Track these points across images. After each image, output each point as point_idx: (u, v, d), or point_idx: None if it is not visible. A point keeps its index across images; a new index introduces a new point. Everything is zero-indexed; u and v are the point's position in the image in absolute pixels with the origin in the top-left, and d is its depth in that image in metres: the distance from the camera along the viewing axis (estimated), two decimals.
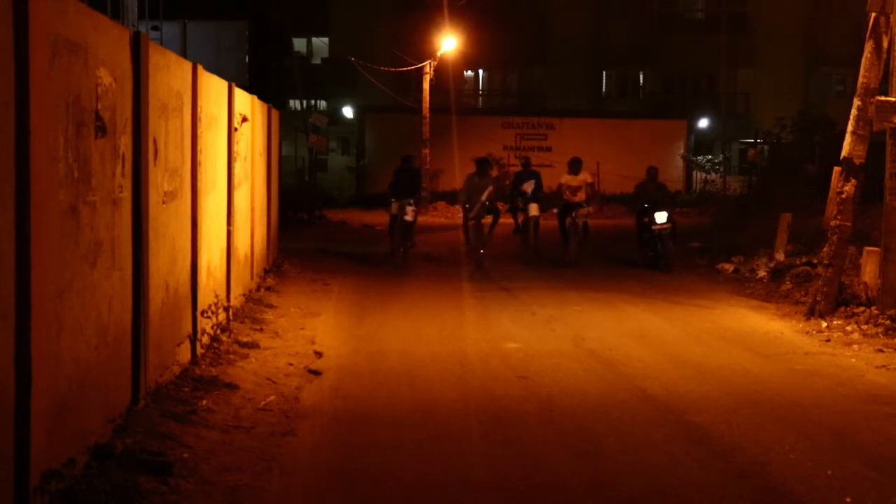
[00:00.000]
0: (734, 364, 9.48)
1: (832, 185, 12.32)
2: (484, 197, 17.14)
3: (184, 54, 16.19)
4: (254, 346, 9.47)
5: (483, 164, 17.90)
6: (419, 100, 33.97)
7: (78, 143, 5.26)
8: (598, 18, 43.27)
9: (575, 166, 17.85)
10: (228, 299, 10.29)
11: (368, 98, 39.14)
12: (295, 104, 43.48)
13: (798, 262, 15.61)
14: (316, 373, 8.67)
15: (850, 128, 12.02)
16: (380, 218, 20.26)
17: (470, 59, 37.64)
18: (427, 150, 33.90)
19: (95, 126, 5.56)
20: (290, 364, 8.93)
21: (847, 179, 12.04)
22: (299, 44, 46.84)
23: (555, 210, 18.25)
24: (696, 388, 8.41)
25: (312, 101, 45.28)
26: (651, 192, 17.35)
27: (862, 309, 11.87)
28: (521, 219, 18.70)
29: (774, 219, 17.62)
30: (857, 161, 11.95)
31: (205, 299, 8.87)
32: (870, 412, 7.75)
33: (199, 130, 8.44)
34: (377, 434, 6.85)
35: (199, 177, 8.42)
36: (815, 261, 14.67)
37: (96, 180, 5.60)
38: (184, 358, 8.05)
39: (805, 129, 29.91)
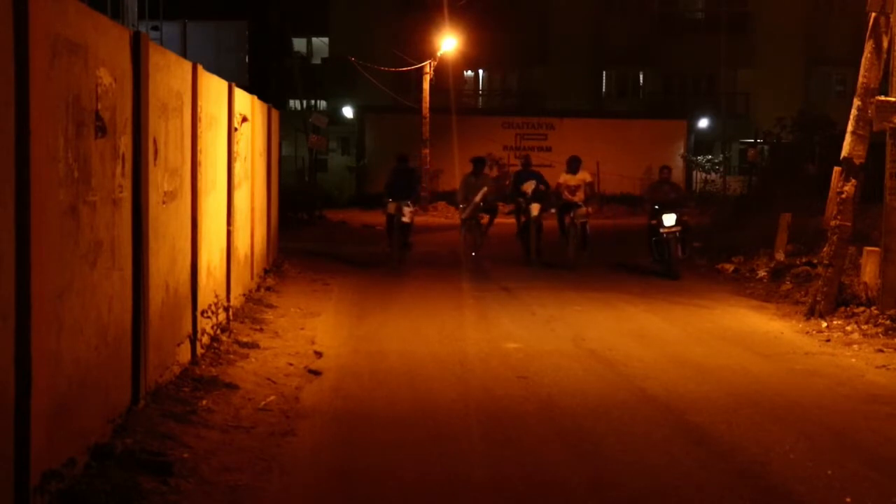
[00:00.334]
0: (734, 364, 9.48)
1: (832, 185, 12.32)
2: (478, 197, 16.89)
3: (184, 54, 16.19)
4: (254, 346, 9.47)
5: (479, 163, 17.61)
6: (419, 100, 33.98)
7: (78, 143, 5.26)
8: (598, 18, 43.27)
9: (573, 165, 17.55)
10: (228, 299, 10.29)
11: (368, 98, 39.14)
12: (295, 104, 43.48)
13: (798, 262, 15.62)
14: (316, 373, 8.67)
15: (850, 128, 12.02)
16: (380, 218, 20.16)
17: (470, 59, 37.65)
18: (427, 150, 33.91)
19: (95, 126, 5.56)
20: (290, 364, 8.93)
21: (847, 179, 12.04)
22: (299, 44, 46.84)
23: (553, 210, 17.99)
24: (696, 388, 8.41)
25: (312, 101, 45.29)
26: (665, 193, 16.70)
27: (862, 309, 11.87)
28: (523, 220, 18.24)
29: (774, 219, 17.63)
30: (857, 161, 11.95)
31: (205, 299, 8.87)
32: (870, 412, 7.75)
33: (199, 130, 8.44)
34: (377, 434, 6.85)
35: (199, 177, 8.42)
36: (815, 261, 14.67)
37: (96, 180, 5.59)
38: (184, 358, 8.05)
39: (805, 129, 29.91)
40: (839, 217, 12.06)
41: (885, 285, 11.76)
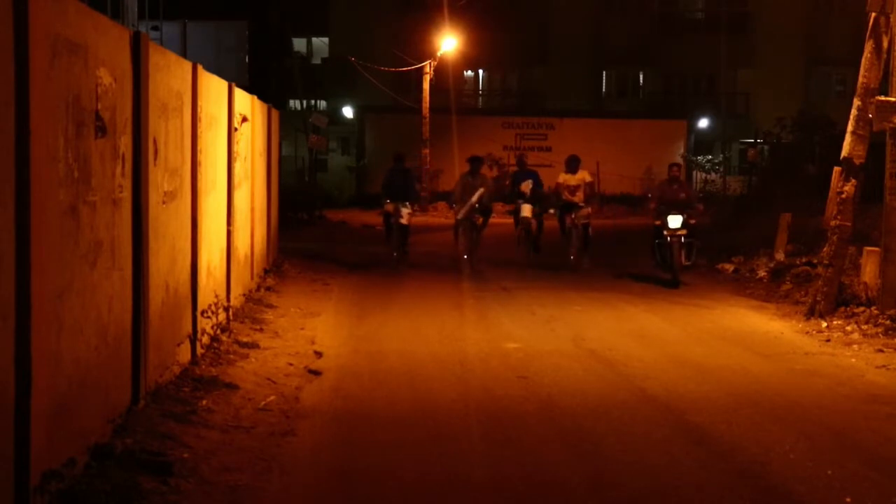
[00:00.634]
0: (734, 364, 9.48)
1: (832, 185, 12.32)
2: (474, 198, 16.46)
3: (184, 54, 16.19)
4: (254, 346, 9.47)
5: (476, 162, 17.20)
6: (419, 100, 33.99)
7: (78, 143, 5.26)
8: (598, 18, 43.28)
9: (572, 165, 17.04)
10: (228, 299, 10.29)
11: (368, 98, 39.15)
12: (295, 104, 43.48)
13: (798, 262, 15.62)
14: (316, 373, 8.67)
15: (850, 128, 12.02)
16: (379, 218, 20.08)
17: (470, 59, 37.66)
18: (427, 150, 33.92)
19: (95, 126, 5.56)
20: (290, 364, 8.93)
21: (847, 179, 12.04)
22: (299, 44, 46.84)
23: (552, 211, 17.82)
24: (696, 388, 8.41)
25: (312, 101, 45.29)
26: (674, 192, 15.57)
27: (862, 309, 11.87)
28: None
29: (774, 219, 17.63)
30: (857, 161, 11.95)
31: (205, 299, 8.87)
32: (870, 412, 7.74)
33: (199, 130, 8.44)
34: (377, 434, 6.84)
35: (199, 177, 8.42)
36: (815, 261, 14.68)
37: (96, 180, 5.59)
38: (184, 358, 8.05)
39: (805, 129, 29.92)
40: (839, 217, 12.06)
41: (885, 285, 11.76)
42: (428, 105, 33.84)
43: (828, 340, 10.83)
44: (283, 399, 7.64)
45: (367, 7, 42.49)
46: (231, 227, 10.44)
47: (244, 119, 11.43)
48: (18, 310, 4.50)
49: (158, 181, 7.07)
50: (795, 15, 41.85)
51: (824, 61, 42.27)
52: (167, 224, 7.41)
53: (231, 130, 10.44)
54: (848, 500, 5.67)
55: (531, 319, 11.94)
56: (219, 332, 9.47)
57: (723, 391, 8.32)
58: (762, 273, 15.91)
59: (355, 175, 38.71)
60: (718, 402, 7.90)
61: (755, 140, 36.89)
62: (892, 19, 11.72)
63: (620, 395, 8.13)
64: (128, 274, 6.33)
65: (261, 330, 10.42)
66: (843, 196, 12.03)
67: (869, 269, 12.50)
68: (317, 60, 47.54)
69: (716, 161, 40.29)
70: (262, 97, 13.85)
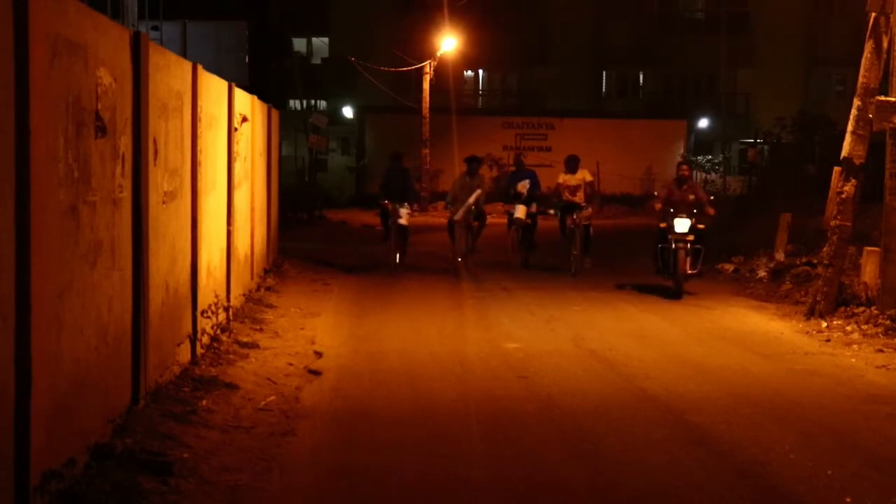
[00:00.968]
0: (734, 364, 9.48)
1: (832, 185, 12.32)
2: (471, 200, 16.05)
3: (184, 54, 16.19)
4: (254, 346, 9.47)
5: (473, 163, 16.77)
6: (419, 100, 33.99)
7: (78, 143, 5.26)
8: (598, 18, 43.27)
9: (572, 164, 16.57)
10: (228, 299, 10.29)
11: (368, 98, 39.15)
12: (295, 104, 43.48)
13: (798, 262, 15.62)
14: (316, 373, 8.67)
15: (850, 128, 12.03)
16: (379, 218, 19.98)
17: (470, 59, 37.66)
18: (427, 150, 33.92)
19: (95, 126, 5.56)
20: (290, 364, 8.93)
21: (847, 179, 12.04)
22: (299, 44, 46.84)
23: (551, 211, 17.67)
24: (696, 388, 8.41)
25: (312, 101, 45.28)
26: (683, 193, 14.48)
27: (862, 309, 11.87)
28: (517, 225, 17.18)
29: (774, 219, 17.62)
30: (857, 161, 11.96)
31: (205, 299, 8.87)
32: (870, 412, 7.75)
33: (199, 130, 8.44)
34: (377, 434, 6.85)
35: (199, 177, 8.42)
36: (815, 261, 14.67)
37: (96, 180, 5.60)
38: (184, 358, 8.05)
39: (805, 129, 29.92)
40: (839, 217, 12.06)
41: (885, 285, 11.76)
42: (428, 105, 33.84)
43: (828, 340, 10.83)
44: (283, 399, 7.64)
45: (367, 7, 42.49)
46: (231, 227, 10.44)
47: (244, 119, 11.43)
48: (18, 310, 4.50)
49: (158, 181, 7.07)
50: (795, 15, 41.85)
51: (824, 61, 42.26)
52: (167, 224, 7.41)
53: (231, 130, 10.44)
54: (848, 500, 5.67)
55: (531, 319, 11.94)
56: (219, 332, 9.47)
57: (723, 391, 8.32)
58: (762, 273, 15.92)
59: (355, 175, 38.71)
60: (718, 402, 7.90)
61: (755, 140, 36.89)
62: (892, 19, 11.72)
63: (620, 395, 8.13)
64: (128, 274, 6.33)
65: (261, 330, 10.42)
66: (843, 196, 12.03)
67: (869, 269, 12.50)
68: (317, 60, 47.54)
69: (716, 161, 40.28)
70: (262, 97, 13.84)
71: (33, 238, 4.57)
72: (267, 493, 5.60)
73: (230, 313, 10.32)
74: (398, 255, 16.23)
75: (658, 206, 14.61)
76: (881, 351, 10.21)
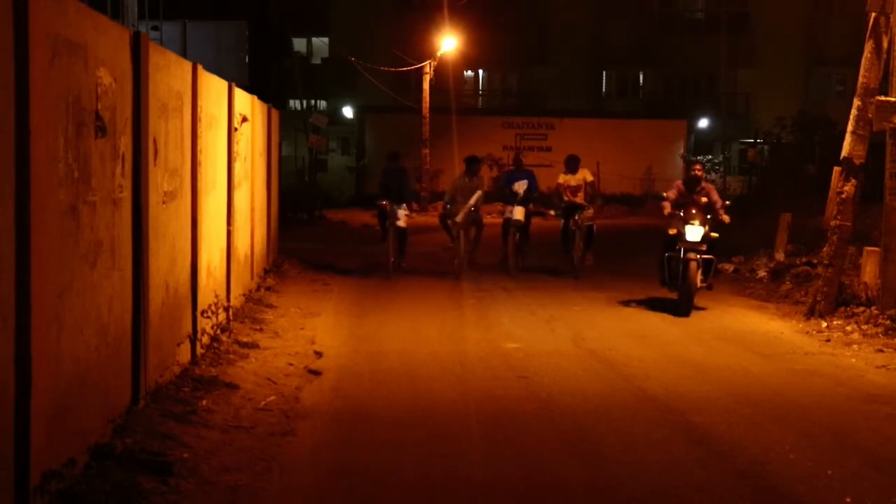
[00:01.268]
0: (734, 364, 9.48)
1: (832, 185, 12.32)
2: (472, 201, 15.59)
3: (184, 54, 16.18)
4: (254, 346, 9.47)
5: (473, 163, 16.29)
6: (419, 100, 33.98)
7: (78, 143, 5.26)
8: (598, 18, 43.26)
9: (572, 164, 16.22)
10: (228, 299, 10.29)
11: (368, 98, 39.15)
12: (295, 104, 43.48)
13: (798, 262, 15.62)
14: (316, 373, 8.68)
15: (850, 128, 12.03)
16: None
17: (470, 59, 37.64)
18: (427, 150, 33.92)
19: (95, 126, 5.56)
20: (290, 364, 8.93)
21: (847, 179, 12.04)
22: (299, 44, 46.83)
23: (552, 212, 17.49)
24: (696, 388, 8.41)
25: (312, 101, 45.28)
26: (695, 195, 12.99)
27: (862, 309, 11.87)
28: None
29: (774, 219, 17.62)
30: (857, 161, 11.96)
31: (205, 299, 8.87)
32: (870, 412, 7.75)
33: (199, 130, 8.44)
34: (377, 434, 6.85)
35: (199, 177, 8.42)
36: (815, 261, 14.67)
37: (96, 180, 5.60)
38: (184, 358, 8.05)
39: (805, 129, 29.94)
40: (839, 217, 12.06)
41: (885, 285, 11.76)
42: (428, 105, 33.83)
43: (828, 340, 10.83)
44: (283, 399, 7.64)
45: (367, 7, 42.48)
46: (231, 227, 10.44)
47: (244, 119, 11.43)
48: (18, 310, 4.50)
49: (158, 181, 7.07)
50: (795, 15, 41.84)
51: (824, 61, 42.25)
52: (167, 224, 7.41)
53: (231, 130, 10.44)
54: (848, 500, 5.67)
55: (531, 319, 11.94)
56: (219, 332, 9.48)
57: (723, 391, 8.32)
58: (762, 273, 15.91)
59: (355, 175, 38.70)
60: (718, 402, 7.90)
61: (755, 140, 36.91)
62: (892, 19, 11.72)
63: (620, 395, 8.14)
64: (128, 274, 6.33)
65: (261, 330, 10.42)
66: (843, 196, 12.03)
67: (869, 269, 12.50)
68: (317, 60, 47.53)
69: (716, 161, 40.26)
70: (262, 97, 13.84)
71: (33, 238, 4.57)
72: (267, 493, 5.60)
73: (230, 313, 10.32)
74: (396, 258, 15.68)
75: (667, 209, 12.96)
76: (881, 351, 10.21)
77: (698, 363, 9.50)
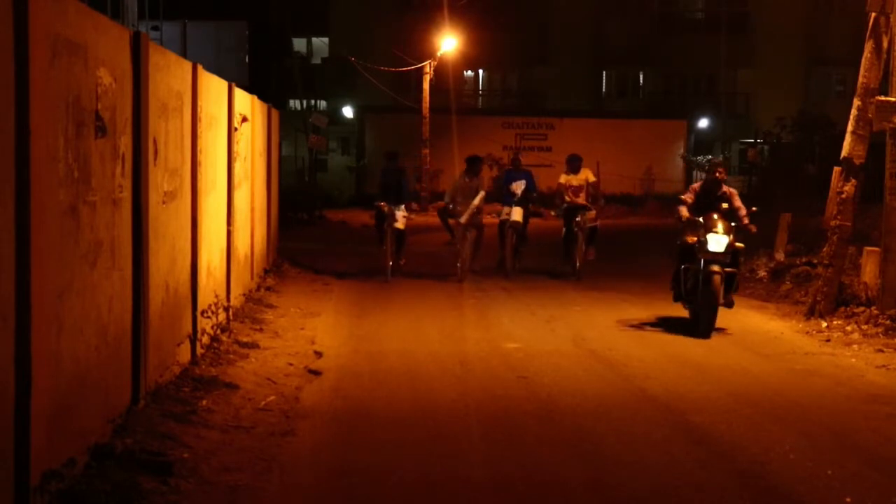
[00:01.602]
0: (734, 364, 9.48)
1: (832, 185, 12.32)
2: (476, 201, 15.22)
3: (184, 54, 16.18)
4: (254, 346, 9.47)
5: (474, 162, 15.84)
6: (419, 100, 33.98)
7: (78, 143, 5.26)
8: (598, 18, 43.28)
9: (574, 164, 15.93)
10: (228, 299, 10.29)
11: (368, 98, 39.15)
12: (295, 104, 43.48)
13: (798, 262, 15.61)
14: (316, 373, 8.68)
15: (850, 128, 12.03)
16: None
17: (470, 59, 37.64)
18: (427, 150, 33.91)
19: (95, 126, 5.56)
20: (290, 364, 8.93)
21: (847, 179, 12.04)
22: (299, 44, 46.84)
23: (553, 213, 17.35)
24: (696, 388, 8.41)
25: (312, 101, 45.28)
26: (716, 199, 11.45)
27: (862, 309, 11.87)
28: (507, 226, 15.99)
29: (774, 219, 17.61)
30: (857, 161, 11.96)
31: (205, 299, 8.87)
32: (870, 412, 7.75)
33: (199, 130, 8.44)
34: (377, 434, 6.85)
35: (199, 177, 8.42)
36: (815, 261, 14.67)
37: (96, 180, 5.60)
38: (184, 358, 8.05)
39: (805, 129, 29.97)
40: (839, 217, 12.06)
41: (885, 285, 11.76)
42: (428, 105, 33.83)
43: (828, 340, 10.83)
44: (283, 399, 7.64)
45: (367, 7, 42.49)
46: (231, 227, 10.44)
47: (244, 119, 11.43)
48: (18, 310, 4.50)
49: (158, 181, 7.07)
50: (795, 15, 41.85)
51: (824, 61, 42.26)
52: (167, 224, 7.41)
53: (231, 130, 10.44)
54: (848, 500, 5.67)
55: (531, 319, 11.94)
56: (219, 332, 9.48)
57: (723, 391, 8.32)
58: (762, 273, 15.91)
59: (355, 175, 38.70)
60: (718, 402, 7.90)
61: (755, 140, 36.92)
62: (892, 19, 11.72)
63: (620, 395, 8.14)
64: (128, 274, 6.33)
65: (261, 330, 10.42)
66: (843, 196, 12.03)
67: (869, 269, 12.50)
68: (317, 60, 47.54)
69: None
70: (262, 97, 13.84)
71: (33, 238, 4.57)
72: (267, 493, 5.60)
73: (230, 313, 10.32)
74: (394, 261, 15.25)
75: (685, 213, 11.47)
76: (881, 351, 10.21)
77: (698, 363, 9.50)
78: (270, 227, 15.15)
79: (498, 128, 37.88)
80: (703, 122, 42.77)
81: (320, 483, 5.87)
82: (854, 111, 11.91)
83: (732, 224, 11.16)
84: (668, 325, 11.75)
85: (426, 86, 33.73)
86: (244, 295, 11.78)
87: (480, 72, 45.56)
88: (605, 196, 32.11)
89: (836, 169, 12.27)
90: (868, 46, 11.83)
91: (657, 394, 8.17)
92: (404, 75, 34.51)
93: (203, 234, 8.74)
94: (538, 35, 43.24)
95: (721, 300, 10.89)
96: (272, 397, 7.65)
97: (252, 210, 12.66)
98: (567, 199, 15.70)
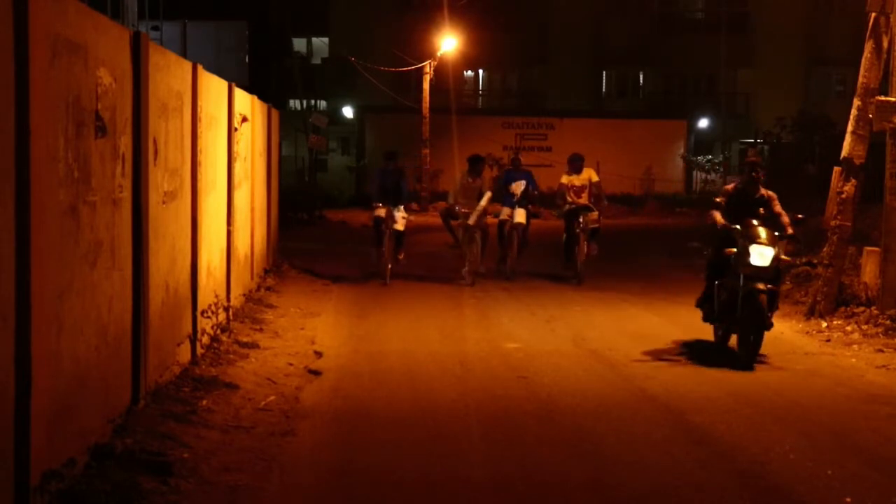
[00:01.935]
0: (734, 364, 9.46)
1: (832, 185, 12.32)
2: (483, 202, 14.85)
3: (184, 54, 16.18)
4: (254, 346, 9.47)
5: (477, 162, 15.48)
6: (419, 100, 33.98)
7: (78, 143, 5.26)
8: (598, 18, 43.29)
9: (576, 164, 15.52)
10: (228, 299, 10.29)
11: (368, 98, 39.16)
12: (295, 104, 43.48)
13: (798, 262, 15.60)
14: (316, 373, 8.68)
15: (850, 128, 12.03)
16: None
17: (470, 59, 37.64)
18: (427, 150, 33.91)
19: (95, 126, 5.56)
20: (290, 364, 8.93)
21: (847, 179, 12.04)
22: (299, 44, 46.84)
23: (554, 213, 17.26)
24: (696, 387, 8.41)
25: (312, 101, 45.29)
26: (754, 203, 9.98)
27: (862, 309, 11.87)
28: (507, 227, 15.71)
29: None
30: (857, 161, 11.96)
31: (205, 299, 8.87)
32: (870, 412, 7.75)
33: (199, 130, 8.44)
34: (377, 434, 6.85)
35: (199, 177, 8.42)
36: (815, 261, 14.66)
37: (96, 180, 5.60)
38: (184, 358, 8.05)
39: (805, 129, 29.98)
40: (839, 217, 12.06)
41: (885, 285, 11.76)
42: (428, 105, 33.83)
43: (828, 340, 10.83)
44: (283, 399, 7.64)
45: (367, 7, 42.49)
46: (231, 227, 10.44)
47: (244, 119, 11.43)
48: (18, 310, 4.50)
49: (158, 181, 7.07)
50: (795, 15, 41.85)
51: (824, 61, 42.27)
52: (167, 224, 7.41)
53: (231, 130, 10.44)
54: (848, 500, 5.67)
55: (531, 319, 11.94)
56: (219, 332, 9.48)
57: (723, 391, 8.32)
58: None
59: (355, 175, 38.70)
60: (718, 402, 7.90)
61: (755, 140, 36.92)
62: (892, 19, 11.72)
63: (620, 395, 8.14)
64: (128, 274, 6.33)
65: (261, 330, 10.42)
66: (843, 196, 12.04)
67: (869, 269, 12.50)
68: (317, 60, 47.54)
69: (716, 161, 40.30)
70: (262, 97, 13.84)
71: (33, 238, 4.57)
72: (267, 493, 5.60)
73: (230, 313, 10.32)
74: (393, 264, 14.94)
75: (719, 219, 9.88)
76: (881, 351, 10.21)
77: (698, 363, 9.50)
78: (270, 227, 15.15)
79: (498, 128, 37.89)
80: (703, 122, 42.78)
81: (320, 483, 5.87)
82: (854, 111, 11.91)
83: (776, 233, 9.66)
84: (668, 324, 11.75)
85: (426, 86, 33.73)
86: (244, 295, 11.78)
87: (480, 72, 45.57)
88: (607, 197, 32.04)
89: (836, 169, 12.27)
90: (868, 46, 11.83)
91: (657, 394, 8.17)
92: (404, 75, 34.51)
93: (203, 234, 8.74)
94: (538, 35, 43.24)
95: (768, 323, 9.31)
96: (272, 397, 7.65)
97: (252, 210, 12.66)
98: (569, 199, 15.39)
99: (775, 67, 42.49)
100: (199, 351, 8.54)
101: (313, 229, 25.33)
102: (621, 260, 18.37)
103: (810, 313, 12.12)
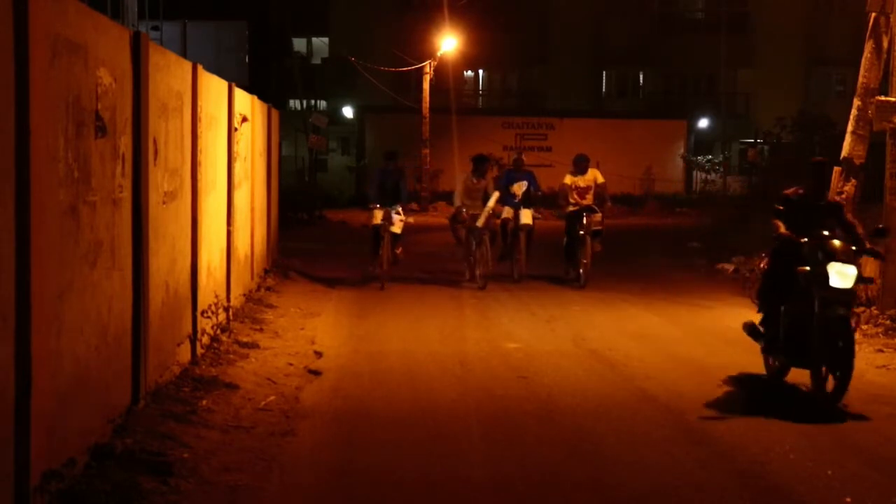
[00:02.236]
0: (734, 364, 9.47)
1: (832, 185, 12.31)
2: (491, 203, 14.51)
3: (184, 54, 16.18)
4: (254, 346, 9.47)
5: (481, 162, 15.18)
6: (419, 100, 34.00)
7: (78, 143, 5.26)
8: (598, 18, 43.30)
9: (581, 164, 15.17)
10: (228, 299, 10.29)
11: (368, 98, 39.17)
12: (295, 104, 43.49)
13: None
14: (316, 373, 8.68)
15: (850, 128, 12.04)
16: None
17: (470, 59, 37.66)
18: (427, 150, 33.93)
19: (95, 126, 5.56)
20: (290, 364, 8.93)
21: (847, 179, 12.04)
22: (299, 44, 46.84)
23: (555, 213, 17.18)
24: (697, 388, 8.41)
25: (312, 101, 45.29)
26: (820, 212, 8.46)
27: (862, 309, 11.86)
28: (510, 227, 15.43)
29: None
30: (857, 161, 11.97)
31: (205, 299, 8.87)
32: (870, 412, 7.74)
33: (199, 130, 8.44)
34: (377, 434, 6.85)
35: (199, 177, 8.42)
36: None
37: (96, 180, 5.60)
38: (184, 358, 8.05)
39: (805, 129, 29.95)
40: None
41: (885, 285, 11.76)
42: (428, 105, 33.84)
43: None
44: (283, 399, 7.64)
45: (367, 7, 42.50)
46: (231, 227, 10.44)
47: (244, 119, 11.43)
48: (18, 310, 4.50)
49: (158, 181, 7.07)
50: (795, 15, 41.87)
51: (824, 61, 42.28)
52: (167, 224, 7.41)
53: (231, 130, 10.44)
54: (848, 500, 5.67)
55: (531, 319, 11.94)
56: (219, 332, 9.48)
57: (723, 391, 8.31)
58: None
59: (355, 175, 38.71)
60: (718, 402, 7.90)
61: (755, 140, 36.91)
62: (892, 19, 11.73)
63: (620, 395, 8.13)
64: (128, 274, 6.33)
65: (261, 330, 10.42)
66: (843, 196, 12.03)
67: (869, 269, 12.48)
68: (317, 60, 47.54)
69: (716, 161, 40.30)
70: (262, 97, 13.84)
71: (33, 238, 4.57)
72: (267, 493, 5.60)
73: (230, 313, 10.32)
74: (390, 267, 14.73)
75: (783, 229, 8.36)
76: (881, 351, 10.21)
77: (699, 363, 9.50)
78: (270, 227, 15.15)
79: (498, 128, 37.91)
80: (703, 122, 42.79)
81: (320, 483, 5.87)
82: (854, 111, 11.92)
83: (853, 248, 8.06)
84: (668, 324, 11.75)
85: (426, 86, 33.74)
86: (244, 295, 11.78)
87: (480, 72, 45.57)
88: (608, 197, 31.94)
89: (836, 169, 12.27)
90: (868, 46, 11.84)
91: (657, 394, 8.17)
92: (404, 75, 34.52)
93: (203, 234, 8.74)
94: (538, 35, 43.25)
95: (849, 367, 7.61)
96: (272, 397, 7.65)
97: (252, 210, 12.66)
98: (572, 200, 15.12)
99: (775, 67, 42.50)
100: (199, 351, 8.54)
101: (313, 229, 25.34)
102: (621, 260, 18.35)
103: None
